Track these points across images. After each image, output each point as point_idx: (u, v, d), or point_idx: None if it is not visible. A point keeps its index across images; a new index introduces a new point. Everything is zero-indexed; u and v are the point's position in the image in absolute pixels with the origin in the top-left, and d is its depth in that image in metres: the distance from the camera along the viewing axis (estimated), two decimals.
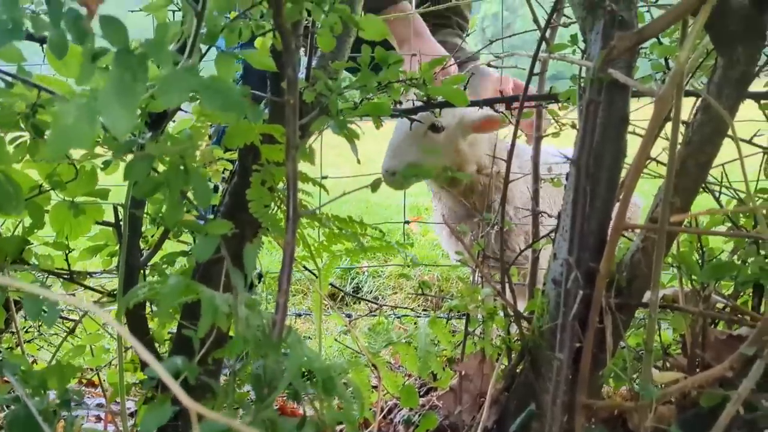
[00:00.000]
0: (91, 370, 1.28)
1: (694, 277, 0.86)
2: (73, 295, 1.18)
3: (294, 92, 0.70)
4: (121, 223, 0.97)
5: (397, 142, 1.59)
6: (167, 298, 0.62)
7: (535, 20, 1.05)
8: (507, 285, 0.99)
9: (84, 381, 1.42)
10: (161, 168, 0.73)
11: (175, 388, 0.37)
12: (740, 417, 0.72)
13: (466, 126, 1.63)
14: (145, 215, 1.03)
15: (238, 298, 0.58)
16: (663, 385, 0.78)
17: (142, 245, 1.09)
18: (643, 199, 2.06)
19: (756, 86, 1.11)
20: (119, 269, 0.97)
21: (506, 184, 0.98)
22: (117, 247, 1.06)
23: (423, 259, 2.89)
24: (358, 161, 0.97)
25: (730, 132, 0.85)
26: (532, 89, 1.08)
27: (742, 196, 0.95)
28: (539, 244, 1.07)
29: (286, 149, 0.69)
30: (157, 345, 1.07)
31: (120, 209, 0.97)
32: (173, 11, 1.02)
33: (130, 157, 0.67)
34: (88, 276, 1.05)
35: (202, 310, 0.64)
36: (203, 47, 0.85)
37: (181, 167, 0.62)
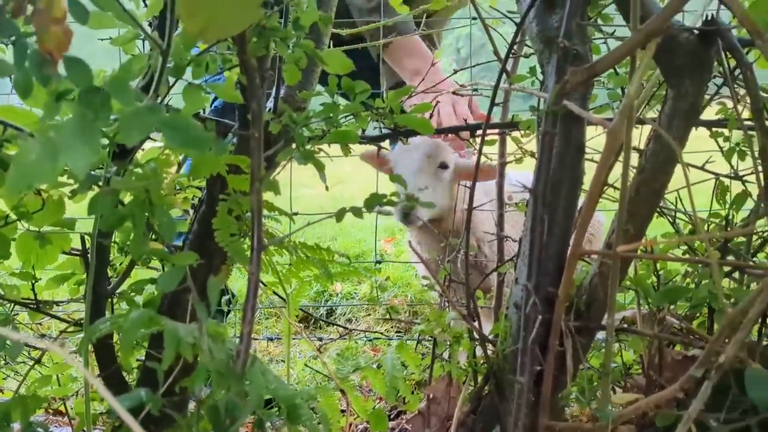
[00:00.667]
0: (59, 399, 1.27)
1: (650, 299, 0.89)
2: (40, 324, 1.17)
3: (259, 126, 0.72)
4: (89, 252, 0.98)
5: (411, 180, 1.59)
6: (129, 331, 0.63)
7: (495, 52, 1.08)
8: (472, 308, 1.01)
9: (51, 411, 1.40)
10: (128, 198, 0.74)
11: (132, 423, 0.38)
12: None
13: (459, 169, 1.65)
14: (112, 243, 1.04)
15: (202, 328, 0.59)
16: (621, 407, 0.80)
17: (109, 273, 1.09)
18: (606, 217, 2.11)
19: (708, 114, 1.16)
20: (86, 298, 0.98)
21: (470, 210, 1.01)
22: (84, 276, 1.06)
23: (396, 280, 2.90)
24: (327, 188, 0.99)
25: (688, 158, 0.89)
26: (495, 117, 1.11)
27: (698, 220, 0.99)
28: (505, 267, 1.10)
29: (251, 181, 0.71)
30: (125, 373, 1.07)
31: (87, 238, 0.98)
32: (143, 39, 1.03)
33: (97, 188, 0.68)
34: (54, 305, 1.05)
35: (165, 342, 0.65)
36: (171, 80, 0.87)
37: (147, 200, 0.64)
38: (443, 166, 1.63)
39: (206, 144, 0.51)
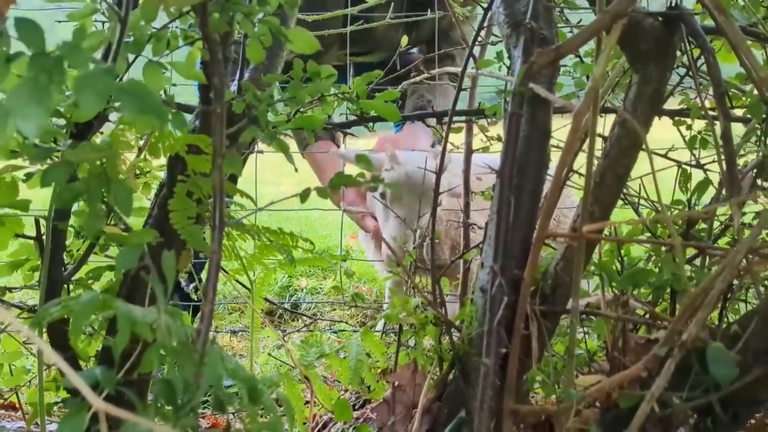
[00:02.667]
0: (11, 391, 1.22)
1: (614, 284, 0.90)
2: None
3: (221, 101, 0.70)
4: (44, 236, 0.94)
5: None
6: (81, 314, 0.61)
7: (463, 38, 1.08)
8: (437, 294, 1.00)
9: (3, 403, 1.35)
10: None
11: (86, 390, 0.37)
12: (655, 415, 0.75)
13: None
14: (69, 228, 1.00)
15: (159, 306, 0.57)
16: (585, 388, 0.80)
17: (66, 260, 1.06)
18: (577, 198, 2.12)
19: (671, 105, 1.17)
20: (41, 284, 0.94)
21: (436, 195, 1.01)
22: (39, 262, 1.02)
23: (362, 275, 2.89)
24: (296, 170, 0.97)
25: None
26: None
27: (660, 207, 1.00)
28: (470, 254, 1.09)
29: (213, 158, 0.69)
30: (83, 363, 1.04)
31: (42, 222, 0.94)
32: (102, 22, 1.00)
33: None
34: (7, 291, 1.01)
35: (119, 325, 0.63)
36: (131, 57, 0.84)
37: (102, 175, 0.61)
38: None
39: (164, 113, 0.49)
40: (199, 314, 0.65)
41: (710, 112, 0.91)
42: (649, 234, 1.02)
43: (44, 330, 0.93)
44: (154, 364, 0.56)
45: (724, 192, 0.92)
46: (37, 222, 0.94)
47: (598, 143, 0.90)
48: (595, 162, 0.88)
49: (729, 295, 0.86)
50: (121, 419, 0.49)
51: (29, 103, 0.43)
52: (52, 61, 0.47)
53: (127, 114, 0.48)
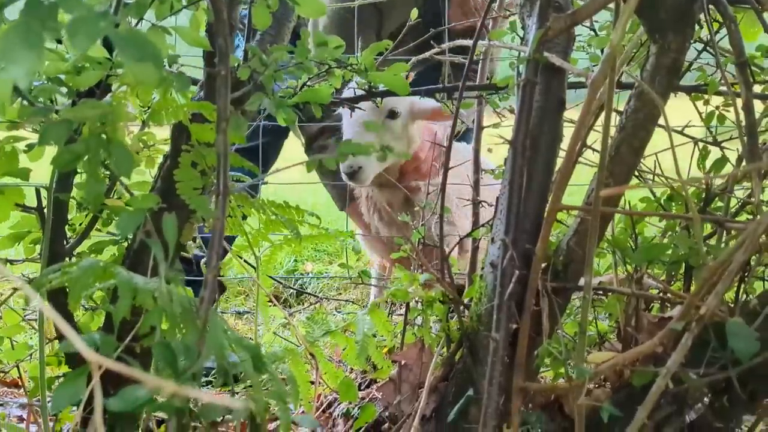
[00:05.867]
0: (13, 366, 1.21)
1: (628, 260, 0.87)
2: None
3: (225, 63, 0.68)
4: (45, 208, 0.92)
5: (355, 135, 1.56)
6: (80, 280, 0.59)
7: (476, 8, 1.05)
8: (446, 272, 0.98)
9: (6, 381, 1.34)
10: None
11: (80, 344, 0.35)
12: (669, 392, 0.73)
13: (416, 113, 1.63)
14: (72, 200, 0.98)
15: (160, 270, 0.55)
16: (597, 365, 0.78)
17: (69, 233, 1.04)
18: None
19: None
20: (42, 256, 0.92)
21: (446, 171, 0.98)
22: (40, 234, 1.00)
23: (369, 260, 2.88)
24: (302, 143, 0.96)
25: (661, 122, 0.87)
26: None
27: (675, 185, 0.97)
28: (479, 232, 1.07)
29: (216, 122, 0.67)
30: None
31: (43, 192, 0.92)
32: None
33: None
34: (9, 264, 0.99)
35: (119, 292, 0.61)
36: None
37: (102, 135, 0.59)
38: (391, 115, 1.62)
39: (158, 57, 0.47)
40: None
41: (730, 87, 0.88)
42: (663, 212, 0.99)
43: (45, 302, 0.92)
44: (149, 324, 0.54)
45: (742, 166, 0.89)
46: (38, 193, 0.93)
47: (614, 117, 0.88)
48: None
49: (746, 273, 0.84)
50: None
51: (20, 47, 0.41)
52: (46, 8, 0.45)
53: (124, 59, 0.45)
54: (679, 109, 1.18)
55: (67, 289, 0.90)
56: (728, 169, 0.97)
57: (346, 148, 0.73)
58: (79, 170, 0.93)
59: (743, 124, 0.81)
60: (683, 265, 0.87)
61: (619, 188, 0.74)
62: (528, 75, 0.75)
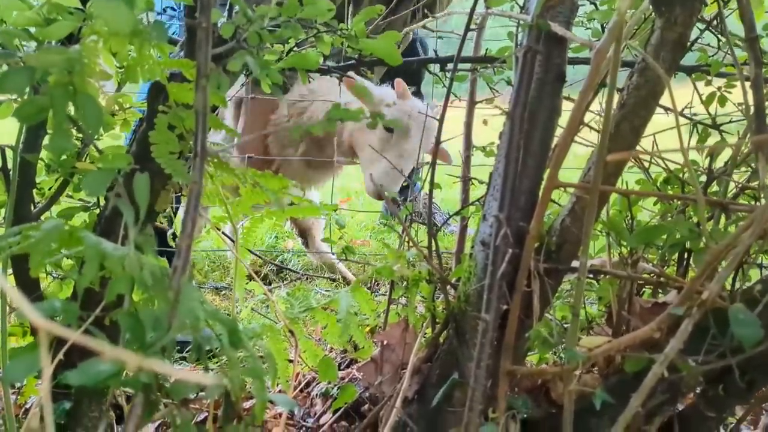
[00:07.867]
0: None
1: (623, 242, 0.84)
2: None
3: (207, 14, 0.62)
4: (10, 169, 0.87)
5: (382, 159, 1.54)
6: (42, 242, 0.54)
7: None
8: (434, 250, 0.94)
9: None
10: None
11: (26, 307, 0.30)
12: (664, 380, 0.70)
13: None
14: (40, 162, 0.93)
15: (129, 233, 0.50)
16: (589, 350, 0.75)
17: (37, 198, 0.99)
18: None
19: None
20: (5, 220, 0.87)
21: (437, 144, 0.94)
22: (5, 197, 0.95)
23: (352, 235, 2.84)
24: (287, 112, 0.91)
25: (662, 102, 0.84)
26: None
27: (672, 167, 0.94)
28: (468, 210, 1.04)
29: (196, 78, 0.62)
30: None
31: (9, 153, 0.87)
32: None
33: None
34: None
35: (85, 257, 0.56)
36: None
37: (69, 85, 0.54)
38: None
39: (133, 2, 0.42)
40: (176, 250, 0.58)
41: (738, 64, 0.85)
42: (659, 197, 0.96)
43: (9, 270, 0.87)
44: (116, 291, 0.49)
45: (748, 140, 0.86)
46: (2, 152, 0.87)
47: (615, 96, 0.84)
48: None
49: (745, 258, 0.81)
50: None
51: None
52: None
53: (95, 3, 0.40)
54: (675, 92, 1.15)
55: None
56: (728, 152, 0.94)
57: (336, 113, 0.69)
58: (49, 131, 0.88)
59: (745, 106, 0.78)
60: (678, 249, 0.84)
61: (623, 153, 0.70)
62: (530, 43, 0.71)
